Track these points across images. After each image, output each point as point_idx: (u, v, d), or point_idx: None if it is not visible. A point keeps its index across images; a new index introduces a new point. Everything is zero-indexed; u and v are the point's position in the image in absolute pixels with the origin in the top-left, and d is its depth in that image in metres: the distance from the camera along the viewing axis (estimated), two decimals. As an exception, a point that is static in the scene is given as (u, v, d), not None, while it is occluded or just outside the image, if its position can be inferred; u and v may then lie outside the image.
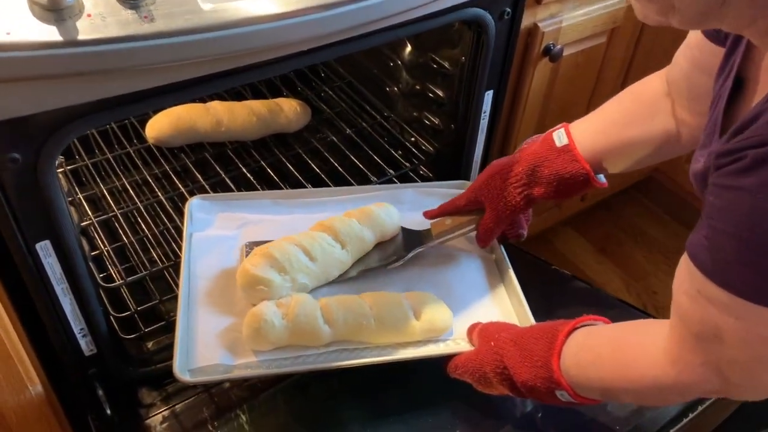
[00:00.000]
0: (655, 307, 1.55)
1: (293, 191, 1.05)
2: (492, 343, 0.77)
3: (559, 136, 0.82)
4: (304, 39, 0.71)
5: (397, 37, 0.86)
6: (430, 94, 1.18)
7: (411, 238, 0.94)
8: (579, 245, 1.68)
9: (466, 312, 0.88)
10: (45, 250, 0.76)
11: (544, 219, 1.47)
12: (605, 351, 0.69)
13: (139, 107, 0.71)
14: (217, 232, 0.95)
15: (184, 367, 0.78)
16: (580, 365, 0.70)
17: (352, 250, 0.88)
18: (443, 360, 0.84)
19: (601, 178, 0.83)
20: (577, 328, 0.73)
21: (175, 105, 1.15)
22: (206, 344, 0.81)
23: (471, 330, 0.84)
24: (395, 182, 1.17)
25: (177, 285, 0.91)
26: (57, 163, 0.72)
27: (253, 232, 0.96)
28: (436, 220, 0.93)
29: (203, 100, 1.20)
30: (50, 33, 0.58)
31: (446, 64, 1.11)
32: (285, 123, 1.22)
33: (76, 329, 0.85)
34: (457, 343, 0.85)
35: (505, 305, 0.90)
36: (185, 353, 0.79)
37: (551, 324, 0.75)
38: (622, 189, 1.68)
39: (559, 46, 1.08)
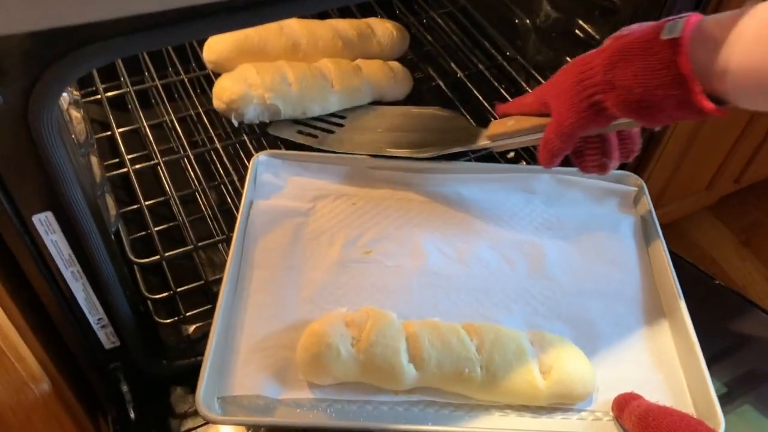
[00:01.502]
0: (810, 324, 1.25)
1: (391, 161, 0.76)
2: None
3: (673, 26, 0.52)
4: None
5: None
6: (580, 34, 0.90)
7: (459, 132, 0.74)
8: (719, 235, 1.38)
9: (613, 370, 0.62)
10: (46, 224, 0.54)
11: (686, 204, 1.17)
12: None
13: (184, 32, 0.47)
14: (286, 203, 0.73)
15: (212, 395, 0.57)
16: None
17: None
18: None
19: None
20: None
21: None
22: (247, 363, 0.60)
23: (621, 404, 0.58)
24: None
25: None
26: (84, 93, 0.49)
27: (330, 209, 0.73)
28: (498, 120, 0.70)
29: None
30: None
31: (612, -5, 0.81)
32: (377, 50, 0.94)
33: (92, 320, 0.65)
34: (597, 418, 0.59)
35: (673, 367, 0.63)
36: (216, 374, 0.58)
37: None
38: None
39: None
